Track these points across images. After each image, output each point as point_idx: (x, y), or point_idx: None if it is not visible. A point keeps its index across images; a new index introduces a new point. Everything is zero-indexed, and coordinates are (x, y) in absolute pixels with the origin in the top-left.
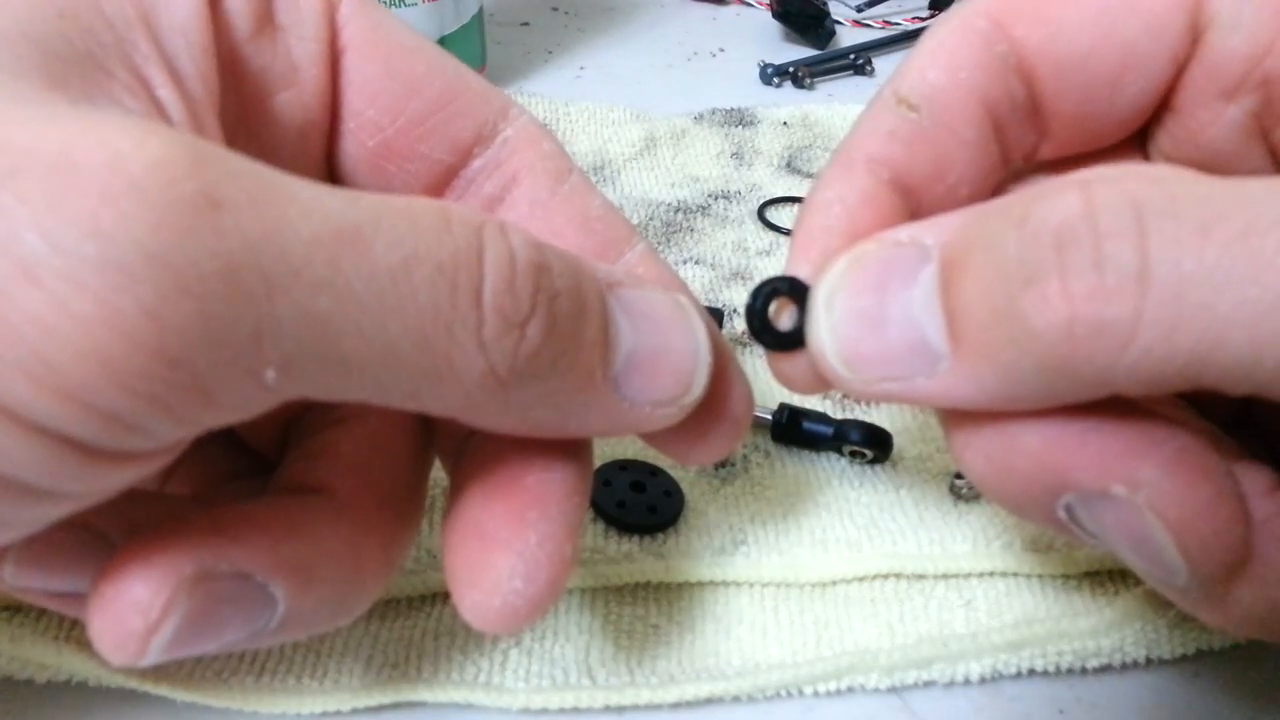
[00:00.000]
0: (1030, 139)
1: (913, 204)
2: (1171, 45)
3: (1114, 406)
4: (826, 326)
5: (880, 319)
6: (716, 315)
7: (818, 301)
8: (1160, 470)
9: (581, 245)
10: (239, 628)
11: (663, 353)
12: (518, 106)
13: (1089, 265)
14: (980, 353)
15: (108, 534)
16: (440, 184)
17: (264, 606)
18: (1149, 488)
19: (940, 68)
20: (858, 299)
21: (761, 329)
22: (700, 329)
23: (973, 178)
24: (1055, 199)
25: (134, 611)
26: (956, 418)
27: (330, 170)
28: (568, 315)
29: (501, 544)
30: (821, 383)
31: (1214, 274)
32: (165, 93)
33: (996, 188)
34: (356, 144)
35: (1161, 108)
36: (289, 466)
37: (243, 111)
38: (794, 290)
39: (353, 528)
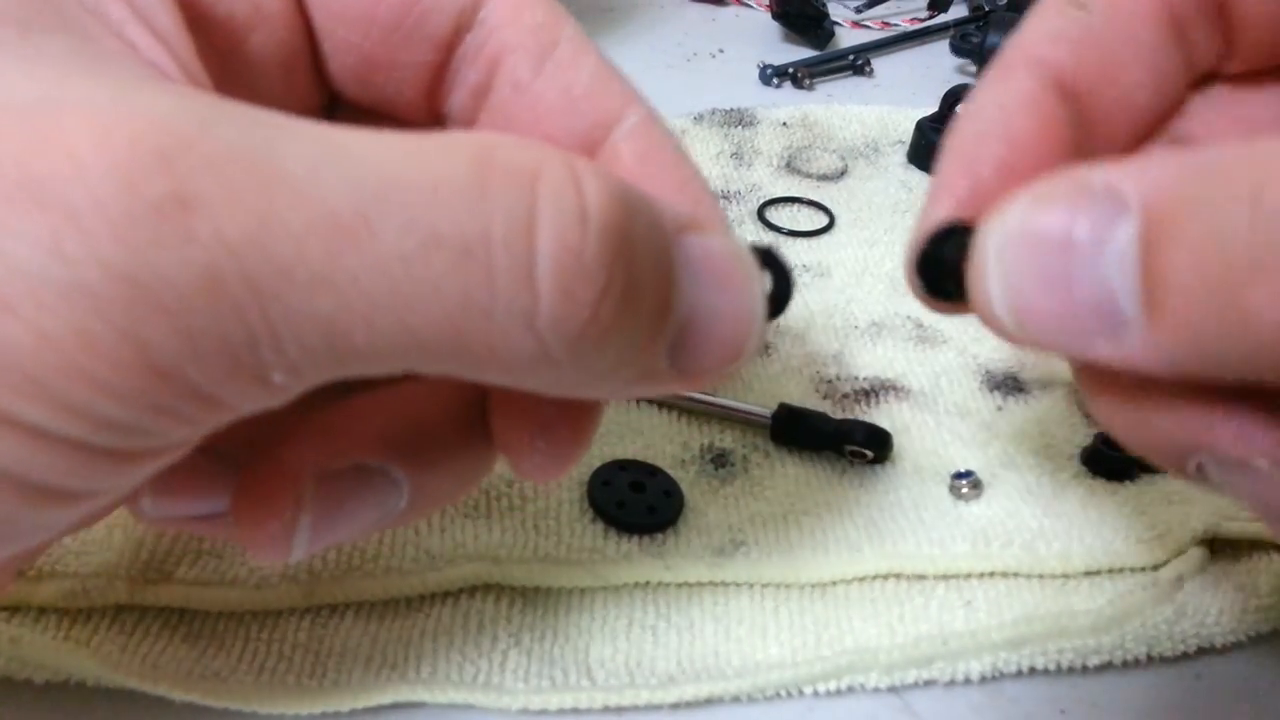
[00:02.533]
0: (1215, 45)
1: (1080, 111)
2: None
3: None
4: (997, 277)
5: (1062, 274)
6: (768, 260)
7: (988, 249)
8: None
9: (566, 129)
10: (370, 512)
11: (719, 316)
12: None
13: None
14: (1181, 329)
15: (232, 453)
16: (433, 83)
17: (388, 491)
18: None
19: None
20: (1036, 250)
21: (944, 285)
22: (758, 286)
23: (1150, 84)
24: None
25: (271, 518)
26: (1096, 387)
27: (328, 92)
28: (647, 283)
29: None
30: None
31: None
32: (154, 54)
33: (1178, 103)
34: (339, 65)
35: None
36: None
37: (222, 63)
38: (955, 234)
39: (450, 403)
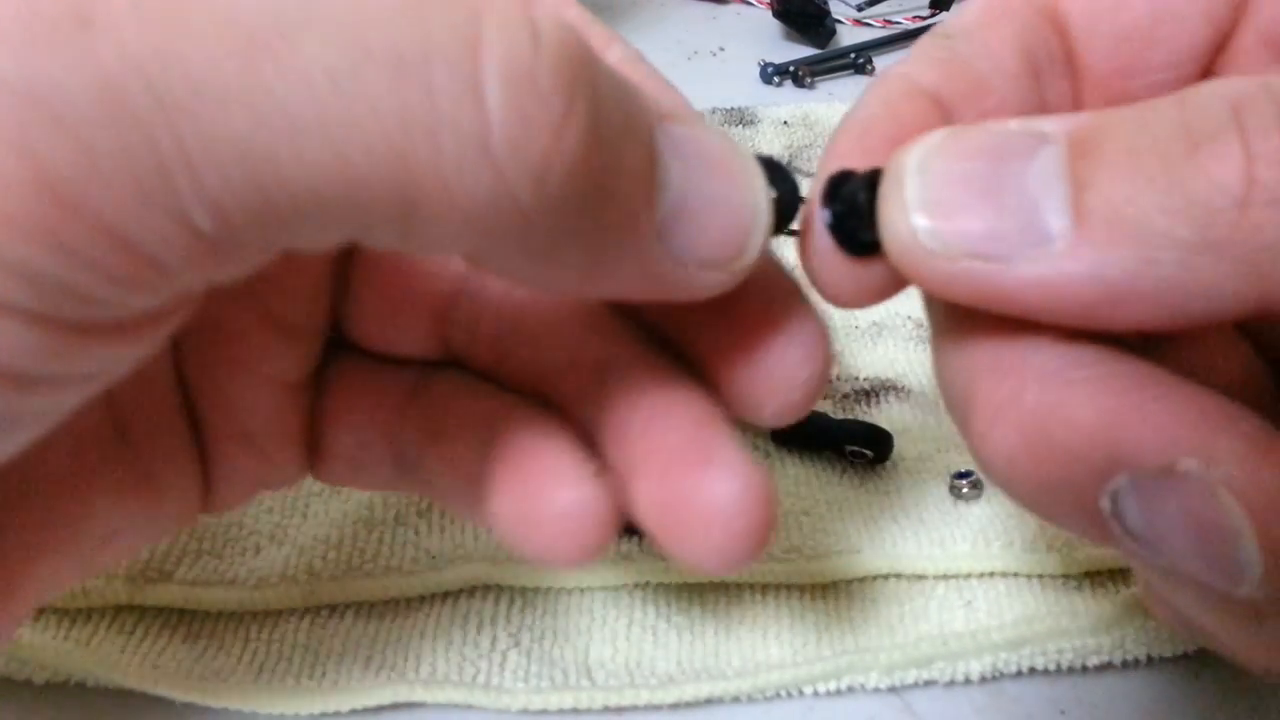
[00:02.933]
0: (1067, 103)
1: (951, 121)
2: (1206, 3)
3: (1177, 382)
4: (915, 190)
5: (985, 186)
6: (772, 167)
7: (907, 165)
8: (1243, 443)
9: None
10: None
11: (715, 203)
12: None
13: (1276, 125)
14: (1115, 226)
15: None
16: None
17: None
18: (1228, 463)
19: (975, 8)
20: (959, 162)
21: (852, 227)
22: (759, 180)
23: (1014, 111)
24: (1215, 83)
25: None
26: (987, 386)
27: None
28: (615, 125)
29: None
30: (884, 288)
31: None
32: None
33: None
34: None
35: (1208, 75)
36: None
37: None
38: (861, 174)
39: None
